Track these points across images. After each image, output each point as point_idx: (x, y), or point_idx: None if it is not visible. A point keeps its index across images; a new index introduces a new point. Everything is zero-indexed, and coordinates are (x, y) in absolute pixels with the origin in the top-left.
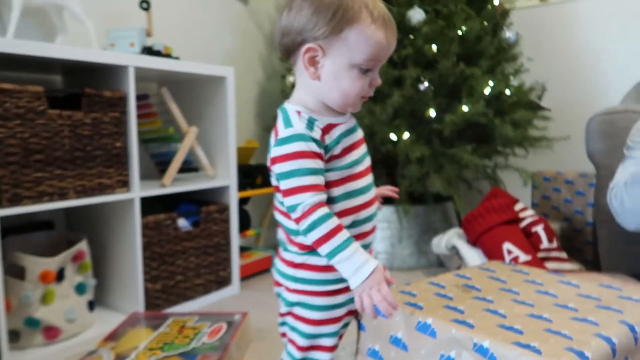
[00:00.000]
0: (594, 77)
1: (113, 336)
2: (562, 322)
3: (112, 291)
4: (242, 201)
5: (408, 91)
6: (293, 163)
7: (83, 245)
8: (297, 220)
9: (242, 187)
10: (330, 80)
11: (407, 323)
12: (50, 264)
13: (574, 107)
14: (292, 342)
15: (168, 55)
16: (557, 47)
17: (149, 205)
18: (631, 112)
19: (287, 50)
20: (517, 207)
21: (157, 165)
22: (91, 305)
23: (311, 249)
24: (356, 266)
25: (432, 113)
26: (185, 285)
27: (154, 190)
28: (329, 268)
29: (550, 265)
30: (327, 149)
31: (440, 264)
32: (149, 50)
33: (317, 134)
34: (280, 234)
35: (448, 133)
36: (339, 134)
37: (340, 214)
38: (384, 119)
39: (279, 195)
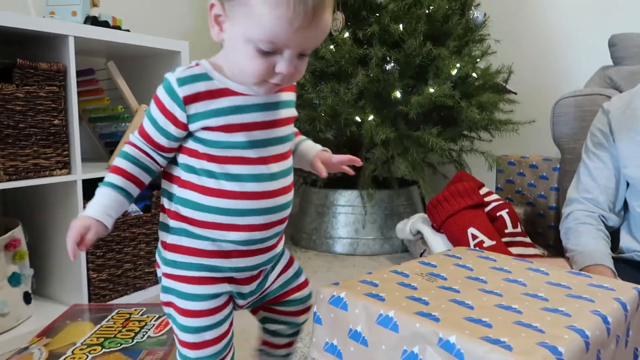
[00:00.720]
0: (561, 61)
1: (48, 331)
2: (533, 313)
3: (52, 281)
4: None
5: (373, 71)
6: (152, 107)
7: (18, 232)
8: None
9: None
10: (228, 48)
11: (368, 316)
12: None
13: (540, 91)
14: (177, 338)
15: (117, 27)
16: (525, 30)
17: (95, 188)
18: (597, 94)
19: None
20: (482, 191)
21: (105, 147)
22: (27, 297)
23: (187, 221)
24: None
25: (398, 94)
26: (134, 274)
27: (98, 172)
28: (205, 253)
29: (514, 250)
30: (190, 117)
31: (404, 250)
32: (93, 21)
33: (182, 92)
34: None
35: (414, 115)
36: (225, 106)
37: (226, 195)
38: (349, 99)
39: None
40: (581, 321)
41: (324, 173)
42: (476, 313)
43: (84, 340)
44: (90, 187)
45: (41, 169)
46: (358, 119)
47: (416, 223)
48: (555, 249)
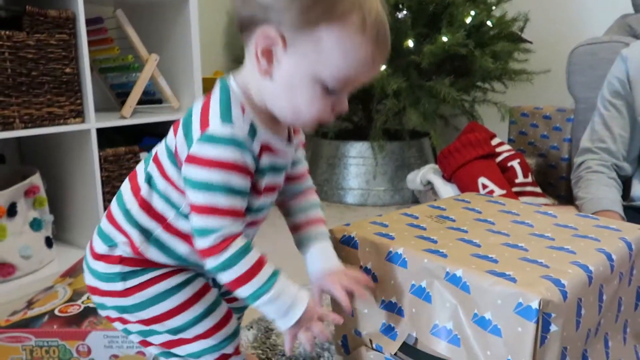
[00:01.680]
0: (580, 9)
1: (71, 272)
2: (539, 251)
3: (72, 228)
4: None
5: None
6: (219, 174)
7: (36, 179)
8: (207, 252)
9: None
10: (283, 85)
11: (378, 254)
12: None
13: (557, 41)
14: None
15: None
16: None
17: (110, 138)
18: (615, 42)
19: (242, 23)
20: (494, 142)
21: (117, 97)
22: (49, 242)
23: (149, 264)
24: (284, 309)
25: (411, 43)
26: None
27: (112, 121)
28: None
29: (524, 199)
30: (257, 172)
31: (415, 200)
32: None
33: (257, 146)
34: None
35: (426, 65)
36: (269, 163)
37: None
38: None
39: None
40: (586, 258)
41: (345, 304)
42: (483, 250)
43: None
44: (103, 136)
45: (55, 117)
46: None
47: (427, 173)
48: (566, 199)
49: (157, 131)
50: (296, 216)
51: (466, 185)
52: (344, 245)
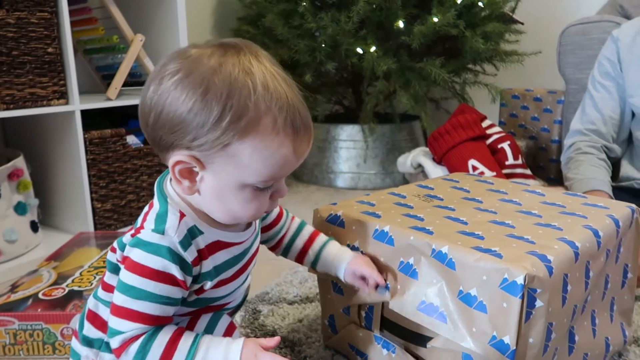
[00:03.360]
0: None
1: (57, 256)
2: (525, 228)
3: (58, 212)
4: None
5: None
6: (139, 279)
7: (20, 162)
8: (116, 354)
9: None
10: (212, 197)
11: (365, 232)
12: None
13: (548, 22)
14: None
15: None
16: None
17: (95, 121)
18: (606, 21)
19: (154, 143)
20: (485, 123)
21: (103, 80)
22: (35, 226)
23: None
24: None
25: (401, 24)
26: (138, 205)
27: (97, 103)
28: None
29: (514, 181)
30: (196, 279)
31: (405, 184)
32: None
33: (191, 255)
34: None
35: (417, 46)
36: (223, 261)
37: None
38: (350, 28)
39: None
40: (572, 234)
41: (381, 280)
42: (469, 227)
43: (91, 264)
44: (89, 119)
45: (38, 98)
46: (360, 50)
47: (417, 156)
48: (556, 181)
49: None
50: (294, 247)
51: (456, 167)
52: (331, 224)
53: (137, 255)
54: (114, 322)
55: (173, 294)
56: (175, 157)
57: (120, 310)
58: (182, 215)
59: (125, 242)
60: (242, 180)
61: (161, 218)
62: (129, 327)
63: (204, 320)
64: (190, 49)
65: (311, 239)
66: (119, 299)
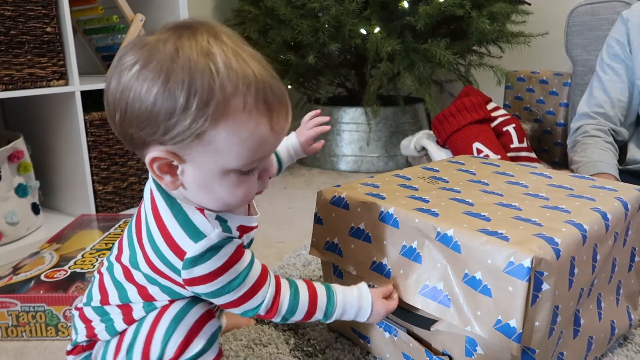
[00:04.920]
0: None
1: (58, 238)
2: (532, 210)
3: (59, 194)
4: None
5: None
6: (227, 275)
7: (20, 144)
8: (267, 317)
9: None
10: (198, 188)
11: (369, 214)
12: None
13: (555, 2)
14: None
15: None
16: None
17: (96, 102)
18: (616, 1)
19: (125, 140)
20: (490, 106)
21: (103, 61)
22: (36, 208)
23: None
24: (354, 312)
25: (406, 4)
26: (139, 187)
27: (97, 84)
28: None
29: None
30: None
31: (409, 167)
32: None
33: (236, 234)
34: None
35: (422, 27)
36: (247, 242)
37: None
38: (353, 8)
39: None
40: (580, 217)
41: (319, 145)
42: (475, 209)
43: (93, 246)
44: (90, 100)
45: (37, 79)
46: (363, 31)
47: (421, 139)
48: (561, 165)
49: None
50: (283, 166)
51: (461, 150)
52: (335, 206)
53: (207, 266)
54: (246, 306)
55: (250, 255)
56: (150, 154)
57: (243, 298)
58: (201, 210)
59: (145, 272)
60: (224, 167)
61: (190, 227)
62: (259, 296)
63: (175, 307)
64: (146, 37)
65: (282, 150)
66: (227, 298)
